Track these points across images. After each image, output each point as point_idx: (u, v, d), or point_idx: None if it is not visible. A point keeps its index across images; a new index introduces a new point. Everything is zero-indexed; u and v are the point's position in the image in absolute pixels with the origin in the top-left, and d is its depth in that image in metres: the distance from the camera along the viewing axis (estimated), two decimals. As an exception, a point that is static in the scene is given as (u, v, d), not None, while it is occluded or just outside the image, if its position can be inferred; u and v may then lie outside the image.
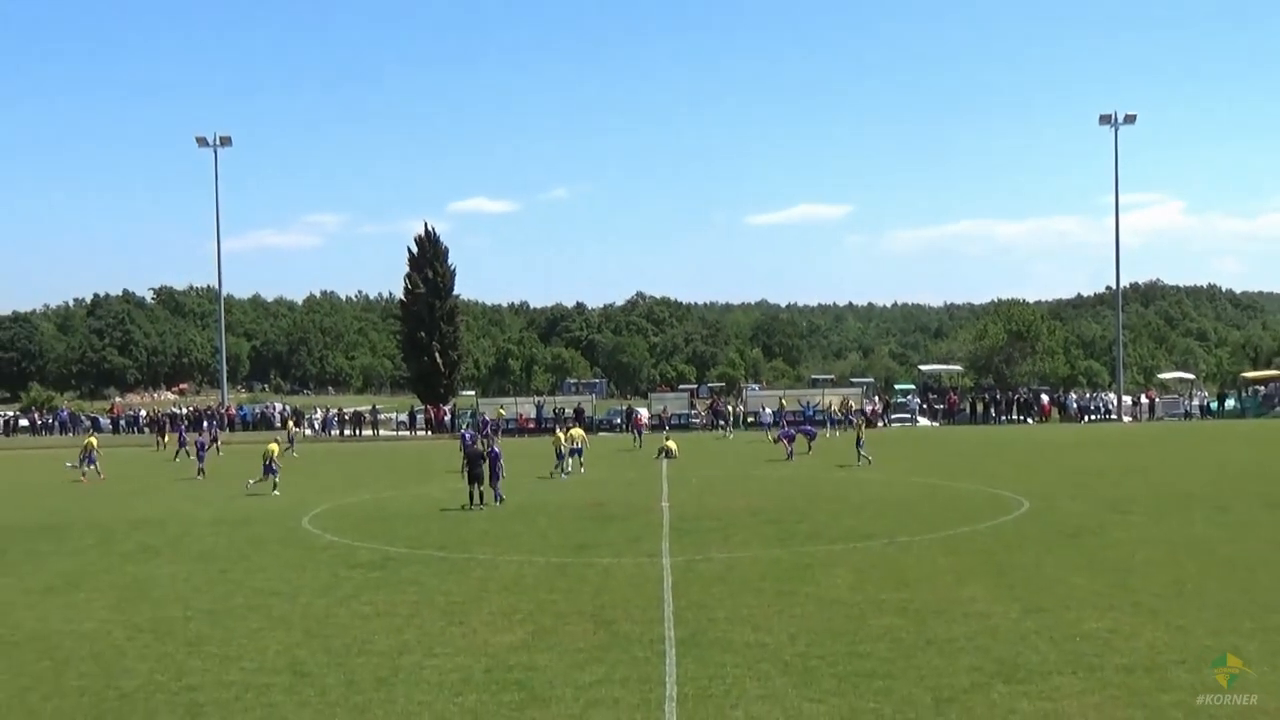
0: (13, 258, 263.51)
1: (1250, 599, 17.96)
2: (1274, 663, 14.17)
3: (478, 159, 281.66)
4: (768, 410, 67.98)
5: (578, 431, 46.09)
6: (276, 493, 37.02)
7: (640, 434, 58.34)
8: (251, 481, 38.28)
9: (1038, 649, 15.06)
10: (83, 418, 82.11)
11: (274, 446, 39.91)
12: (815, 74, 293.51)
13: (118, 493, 39.61)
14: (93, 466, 44.69)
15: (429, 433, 73.96)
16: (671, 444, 48.75)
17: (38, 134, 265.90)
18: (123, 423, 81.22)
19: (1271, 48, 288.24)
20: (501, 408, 76.61)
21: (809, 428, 54.05)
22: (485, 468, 32.14)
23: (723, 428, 68.86)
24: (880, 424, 70.91)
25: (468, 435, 48.25)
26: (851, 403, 71.21)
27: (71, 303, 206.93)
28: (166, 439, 62.11)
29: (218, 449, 54.58)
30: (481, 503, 31.65)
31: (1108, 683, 13.48)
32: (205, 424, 68.82)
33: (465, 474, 32.61)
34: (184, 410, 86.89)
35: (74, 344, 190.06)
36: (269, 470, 37.84)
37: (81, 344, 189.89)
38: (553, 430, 49.69)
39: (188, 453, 46.69)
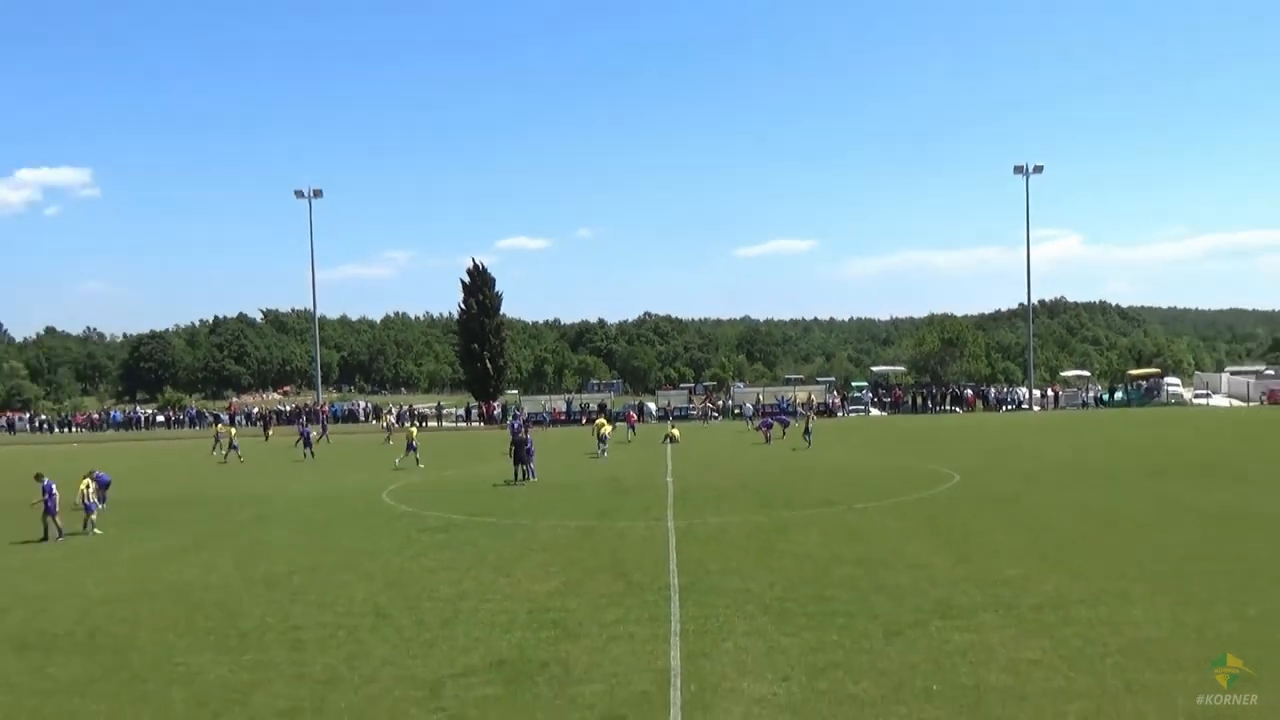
0: (151, 288, 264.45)
1: (1135, 551, 17.94)
2: (1156, 601, 14.16)
3: (519, 206, 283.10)
4: (748, 405, 67.90)
5: (600, 420, 46.29)
6: (421, 465, 38.22)
7: (634, 428, 54.16)
8: (398, 460, 39.40)
9: (966, 592, 15.07)
10: (219, 414, 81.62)
11: (413, 430, 42.22)
12: (788, 138, 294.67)
13: (237, 473, 39.72)
14: (235, 451, 45.45)
15: (481, 424, 73.88)
16: (675, 431, 48.68)
17: (175, 193, 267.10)
18: (239, 418, 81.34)
19: (1153, 113, 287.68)
20: (541, 404, 76.88)
21: (784, 417, 53.85)
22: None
23: (714, 417, 69.38)
24: (840, 414, 70.98)
25: (515, 425, 48.11)
26: (812, 397, 71.37)
27: (197, 322, 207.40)
28: (272, 431, 62.03)
29: (326, 439, 54.87)
30: (522, 479, 31.72)
31: (1022, 619, 13.48)
32: (316, 419, 68.32)
33: (511, 456, 32.65)
34: (287, 408, 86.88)
35: (199, 355, 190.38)
36: (411, 448, 39.30)
37: (205, 355, 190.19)
38: (590, 420, 51.14)
39: (304, 442, 46.99)
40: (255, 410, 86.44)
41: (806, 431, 43.97)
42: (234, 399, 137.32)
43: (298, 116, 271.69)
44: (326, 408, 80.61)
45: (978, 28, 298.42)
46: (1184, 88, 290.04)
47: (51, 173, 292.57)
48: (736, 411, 69.60)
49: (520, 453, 32.37)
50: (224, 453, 45.98)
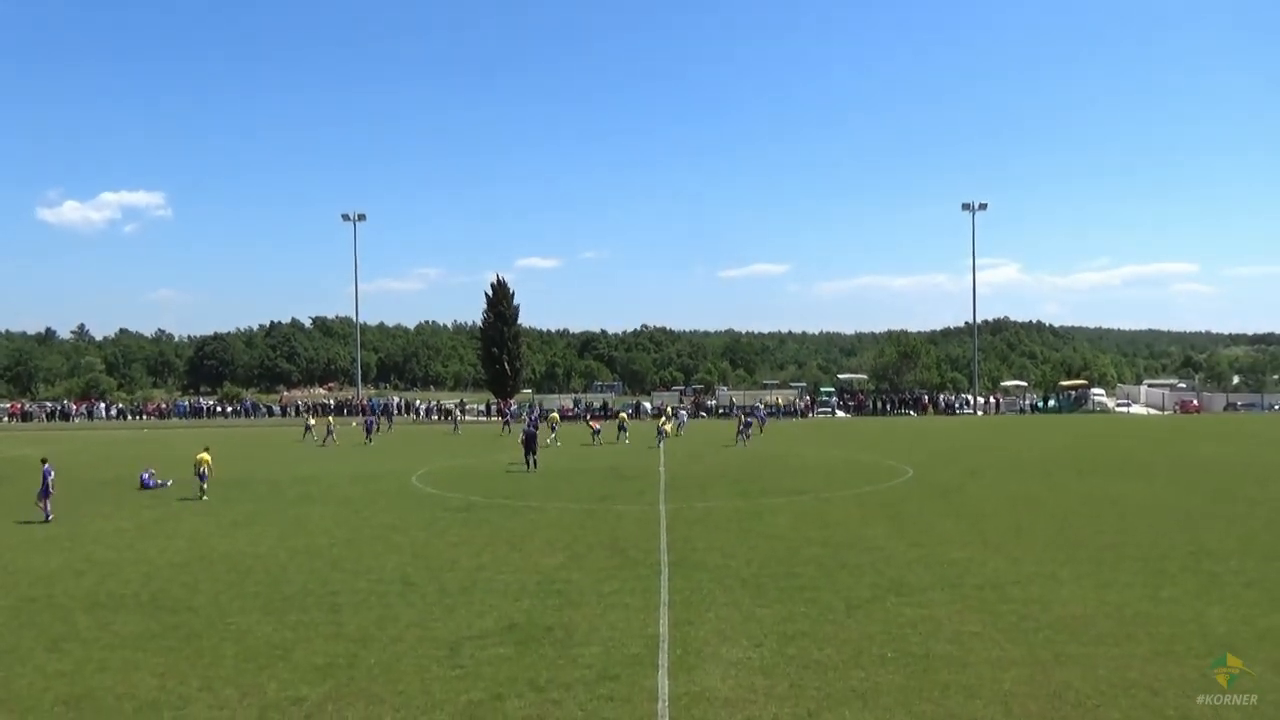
0: (214, 296, 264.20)
1: (1065, 538, 17.90)
2: (1082, 583, 14.12)
3: (534, 230, 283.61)
4: (734, 404, 67.85)
5: (662, 419, 47.77)
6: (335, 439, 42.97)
7: (624, 430, 48.05)
8: (310, 439, 43.42)
9: (917, 572, 15.01)
10: (315, 404, 79.77)
11: (330, 420, 47.00)
12: (769, 177, 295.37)
13: (285, 458, 39.57)
14: (331, 435, 46.83)
15: (500, 418, 73.44)
16: (668, 426, 48.31)
17: (237, 214, 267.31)
18: (290, 410, 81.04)
19: (1081, 160, 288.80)
20: (549, 402, 76.66)
21: (763, 415, 53.60)
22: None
23: (703, 416, 69.25)
24: (810, 415, 70.85)
25: (531, 420, 47.73)
26: (778, 399, 71.42)
27: (255, 326, 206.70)
28: (315, 422, 58.82)
29: (389, 426, 54.53)
30: (534, 467, 31.61)
31: (966, 596, 13.43)
32: (382, 412, 66.35)
33: (524, 448, 32.56)
34: (330, 401, 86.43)
35: (255, 354, 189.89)
36: (329, 433, 44.83)
37: (261, 355, 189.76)
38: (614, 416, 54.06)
39: (365, 430, 48.23)
40: (301, 404, 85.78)
41: (740, 430, 42.85)
42: (284, 393, 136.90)
43: (345, 149, 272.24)
44: (365, 401, 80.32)
45: (933, 85, 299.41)
46: (1109, 137, 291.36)
47: (130, 195, 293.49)
48: (721, 411, 69.51)
49: (531, 444, 32.30)
50: (322, 439, 46.85)
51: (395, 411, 68.59)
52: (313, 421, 52.73)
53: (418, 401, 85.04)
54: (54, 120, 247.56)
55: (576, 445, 42.31)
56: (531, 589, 14.21)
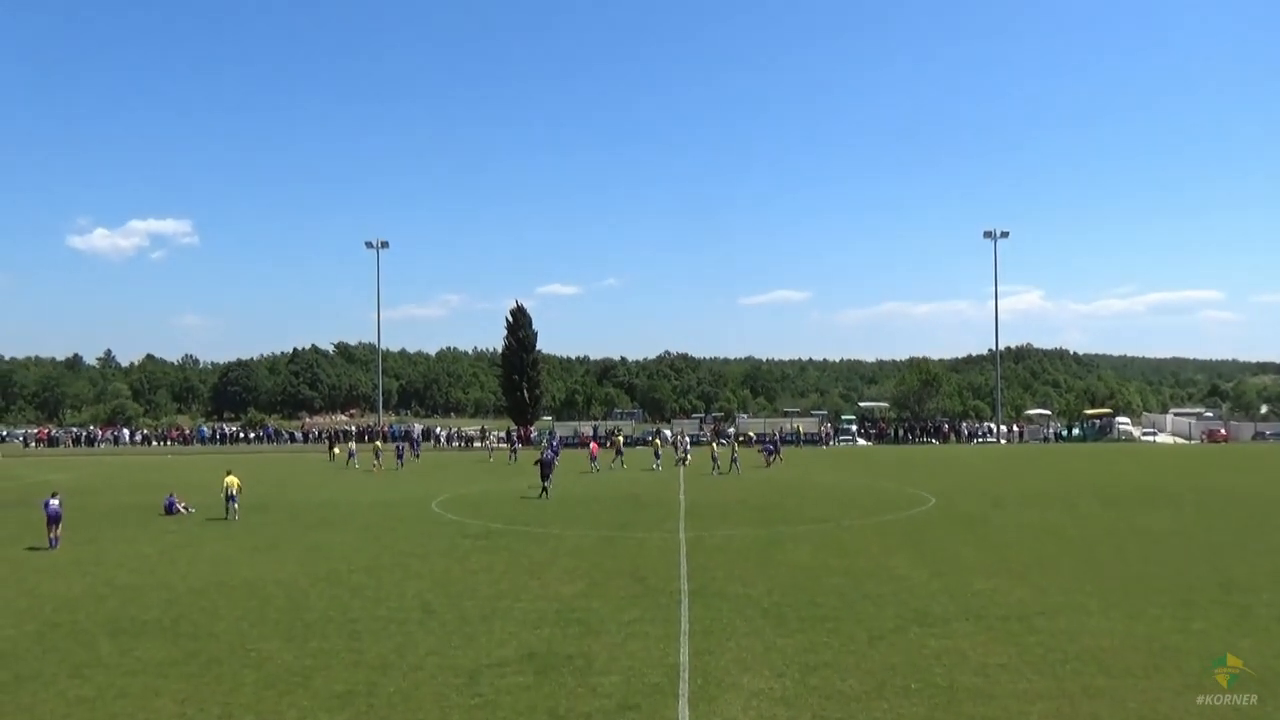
0: (240, 322, 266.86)
1: (1092, 569, 17.64)
2: (1110, 614, 13.90)
3: (555, 258, 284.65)
4: (753, 433, 67.49)
5: (712, 444, 47.74)
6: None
7: (620, 455, 47.59)
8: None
9: (941, 602, 14.82)
10: (377, 430, 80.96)
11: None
12: (790, 204, 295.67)
13: (305, 484, 39.74)
14: (379, 461, 47.47)
15: (520, 446, 73.45)
16: (689, 455, 48.10)
17: (263, 242, 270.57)
18: (310, 435, 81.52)
19: (1106, 185, 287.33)
20: (574, 427, 76.74)
21: (769, 446, 53.04)
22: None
23: (723, 444, 68.65)
24: (831, 443, 70.39)
25: (552, 448, 47.39)
26: (798, 427, 70.88)
27: (278, 353, 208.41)
28: (338, 449, 57.06)
29: (416, 455, 54.66)
30: (548, 495, 31.55)
31: (991, 627, 13.24)
32: (409, 439, 66.07)
33: (540, 473, 32.56)
34: (353, 428, 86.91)
35: (279, 381, 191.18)
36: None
37: (284, 381, 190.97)
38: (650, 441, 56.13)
39: (397, 455, 49.76)
40: (319, 431, 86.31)
41: (733, 460, 42.07)
42: (307, 419, 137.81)
43: (369, 179, 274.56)
44: (386, 427, 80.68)
45: (953, 114, 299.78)
46: (1132, 163, 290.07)
47: (158, 223, 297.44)
48: (741, 439, 69.16)
49: (546, 471, 32.37)
50: (381, 464, 47.37)
51: (421, 439, 68.91)
52: (353, 447, 53.52)
53: (438, 429, 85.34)
54: (85, 149, 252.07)
55: (598, 474, 42.18)
56: (551, 617, 14.14)
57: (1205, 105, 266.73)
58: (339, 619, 14.31)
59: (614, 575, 17.48)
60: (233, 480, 27.39)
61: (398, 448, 51.61)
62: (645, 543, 21.59)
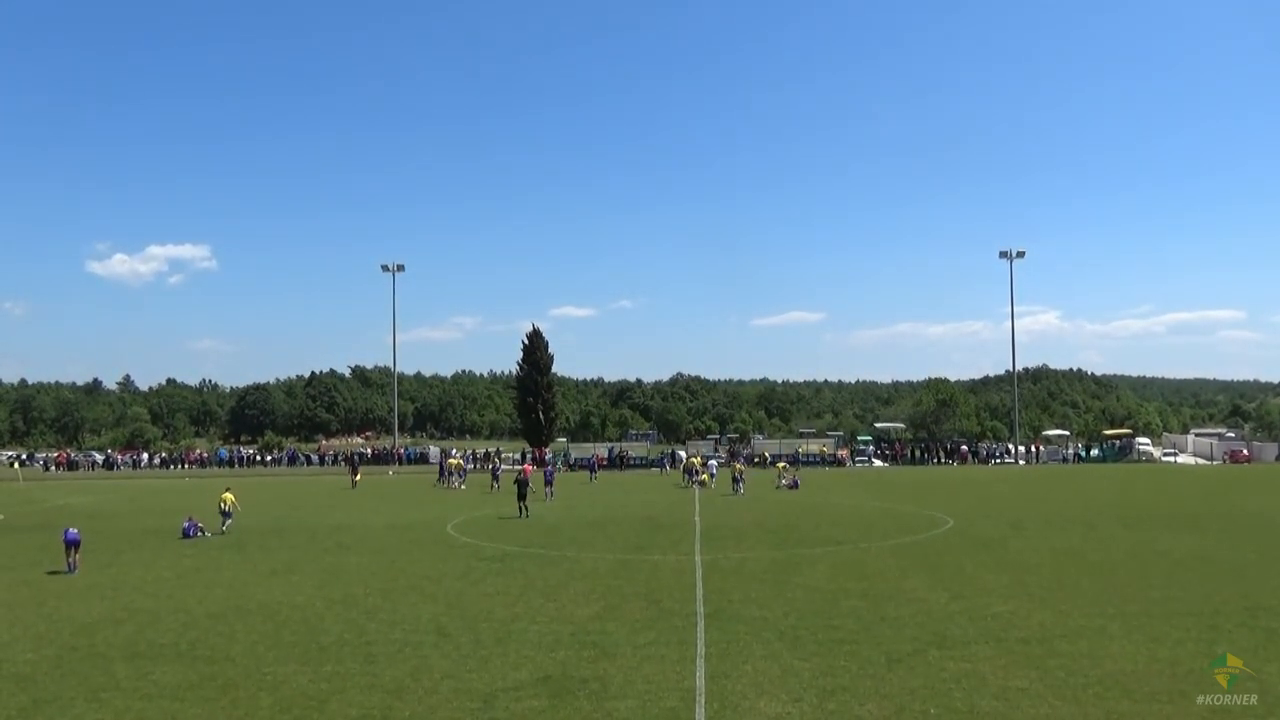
0: (257, 346, 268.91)
1: (1113, 591, 17.43)
2: (1132, 638, 13.72)
3: (569, 280, 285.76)
4: (768, 454, 67.29)
5: (737, 465, 47.24)
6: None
7: (595, 473, 49.97)
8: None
9: (960, 625, 14.68)
10: (451, 450, 79.22)
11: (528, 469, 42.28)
12: (804, 225, 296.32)
13: (321, 506, 39.78)
14: (459, 481, 48.72)
15: (535, 467, 73.40)
16: (706, 476, 47.96)
17: (280, 266, 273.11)
18: (327, 459, 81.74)
19: (1120, 207, 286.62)
20: (591, 449, 76.67)
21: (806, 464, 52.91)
22: (534, 487, 33.94)
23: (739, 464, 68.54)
24: (847, 465, 70.04)
25: (552, 467, 46.69)
26: (818, 449, 70.57)
27: (295, 376, 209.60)
28: (359, 476, 52.69)
29: (462, 485, 49.68)
30: (525, 514, 32.17)
31: (1011, 651, 13.09)
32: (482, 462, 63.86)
33: (517, 494, 33.25)
34: (368, 450, 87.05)
35: (295, 404, 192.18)
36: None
37: (300, 404, 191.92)
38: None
39: (447, 483, 50.04)
40: (334, 454, 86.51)
41: (736, 479, 42.26)
42: (323, 442, 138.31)
43: (384, 204, 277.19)
44: (401, 450, 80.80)
45: (968, 135, 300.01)
46: (1149, 182, 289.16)
47: (176, 248, 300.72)
48: (757, 460, 68.94)
49: (523, 490, 33.14)
50: (459, 483, 48.72)
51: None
52: (465, 466, 54.93)
53: (454, 450, 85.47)
54: (104, 175, 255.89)
55: (614, 496, 42.08)
56: (566, 640, 14.08)
57: (1223, 124, 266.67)
58: (354, 642, 14.29)
59: (629, 598, 17.40)
60: (228, 496, 29.08)
61: (494, 469, 50.97)
62: (660, 565, 21.50)
